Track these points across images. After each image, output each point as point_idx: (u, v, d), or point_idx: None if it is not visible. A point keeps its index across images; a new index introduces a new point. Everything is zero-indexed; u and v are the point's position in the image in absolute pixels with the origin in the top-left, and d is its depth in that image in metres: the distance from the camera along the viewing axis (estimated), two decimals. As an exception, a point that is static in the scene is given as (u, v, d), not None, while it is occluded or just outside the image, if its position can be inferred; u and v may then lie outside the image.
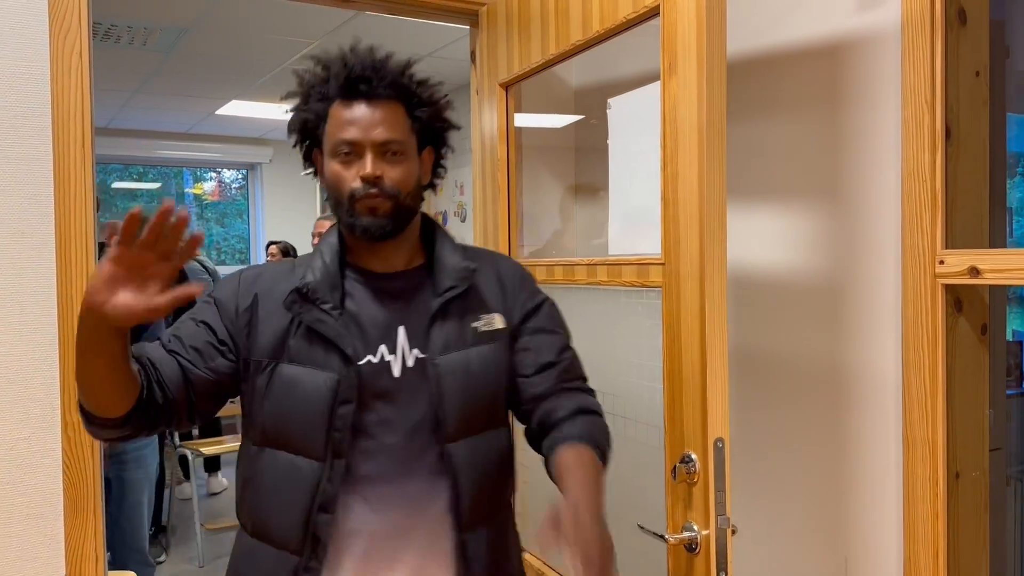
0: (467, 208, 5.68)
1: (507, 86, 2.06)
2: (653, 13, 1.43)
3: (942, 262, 1.40)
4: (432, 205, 6.03)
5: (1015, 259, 1.30)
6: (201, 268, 5.39)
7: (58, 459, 1.58)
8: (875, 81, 1.54)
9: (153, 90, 5.39)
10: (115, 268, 0.95)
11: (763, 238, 1.80)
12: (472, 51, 2.24)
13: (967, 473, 1.48)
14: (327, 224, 4.89)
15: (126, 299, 0.96)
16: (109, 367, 1.04)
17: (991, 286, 1.45)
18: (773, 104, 1.76)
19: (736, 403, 1.87)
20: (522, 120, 2.20)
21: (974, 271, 1.35)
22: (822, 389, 1.68)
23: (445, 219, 5.92)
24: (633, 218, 1.66)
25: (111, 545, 2.55)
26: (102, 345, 1.01)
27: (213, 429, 4.89)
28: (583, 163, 2.49)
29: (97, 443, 1.61)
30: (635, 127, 1.62)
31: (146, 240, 0.94)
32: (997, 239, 1.83)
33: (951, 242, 1.42)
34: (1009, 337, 3.28)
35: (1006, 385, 2.78)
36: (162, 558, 4.18)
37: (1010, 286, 1.76)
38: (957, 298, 1.44)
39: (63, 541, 1.58)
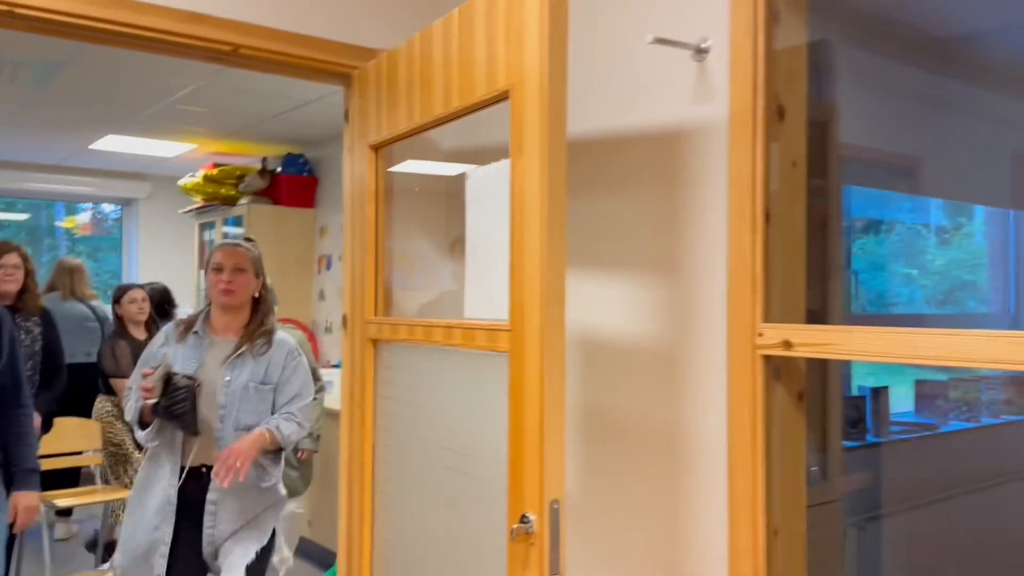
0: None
1: (377, 148, 2.12)
2: (504, 97, 1.52)
3: (761, 335, 1.54)
4: (316, 248, 5.97)
5: (822, 335, 1.44)
6: (90, 314, 4.89)
7: None
8: (707, 167, 1.68)
9: (21, 123, 5.16)
10: None
11: (613, 307, 1.91)
12: (346, 110, 2.29)
13: (786, 529, 1.61)
14: (140, 294, 4.18)
15: None
16: None
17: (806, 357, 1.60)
18: (622, 183, 1.88)
19: (585, 464, 1.95)
20: (396, 169, 2.26)
21: (787, 344, 1.49)
22: (663, 450, 1.78)
23: (329, 264, 5.86)
24: (488, 284, 1.73)
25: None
26: None
27: (71, 480, 4.62)
28: (458, 221, 2.56)
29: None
30: (491, 198, 1.70)
31: None
32: (833, 307, 2.00)
33: (770, 316, 1.56)
34: (855, 391, 3.53)
35: (846, 437, 3.01)
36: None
37: (817, 358, 1.91)
38: (776, 367, 1.58)
39: None
